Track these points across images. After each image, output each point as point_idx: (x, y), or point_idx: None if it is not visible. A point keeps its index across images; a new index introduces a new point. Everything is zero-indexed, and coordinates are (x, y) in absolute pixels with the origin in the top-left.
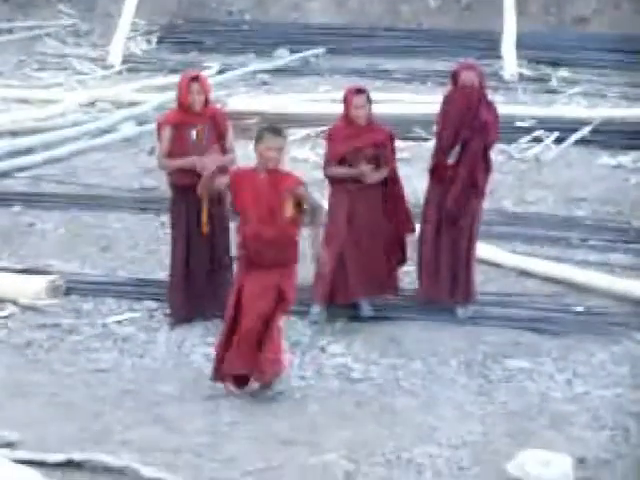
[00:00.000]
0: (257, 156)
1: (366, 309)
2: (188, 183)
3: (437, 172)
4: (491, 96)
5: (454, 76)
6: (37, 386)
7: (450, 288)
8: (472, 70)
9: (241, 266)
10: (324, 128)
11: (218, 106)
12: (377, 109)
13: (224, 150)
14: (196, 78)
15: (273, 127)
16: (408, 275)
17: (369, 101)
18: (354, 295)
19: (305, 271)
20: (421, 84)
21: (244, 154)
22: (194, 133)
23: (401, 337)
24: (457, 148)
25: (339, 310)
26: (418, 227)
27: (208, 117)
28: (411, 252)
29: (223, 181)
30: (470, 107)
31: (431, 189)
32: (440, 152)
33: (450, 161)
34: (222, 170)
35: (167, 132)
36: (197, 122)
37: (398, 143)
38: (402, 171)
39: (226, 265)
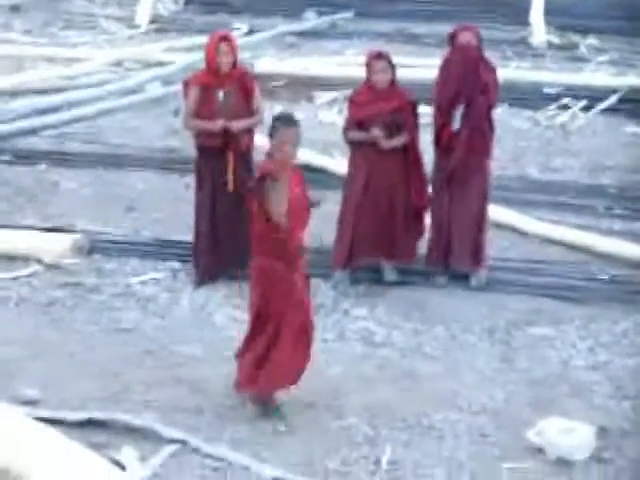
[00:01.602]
0: (275, 151)
1: (389, 273)
2: (214, 144)
3: (442, 139)
4: (518, 63)
5: (452, 38)
6: (59, 345)
7: (463, 254)
8: (469, 30)
9: (281, 268)
10: (350, 92)
11: (245, 68)
12: (406, 73)
13: (251, 112)
14: (225, 38)
15: (285, 117)
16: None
17: (391, 66)
18: (371, 256)
19: (328, 234)
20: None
21: (270, 116)
22: (221, 94)
23: (424, 302)
24: (459, 112)
25: (362, 274)
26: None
27: (236, 78)
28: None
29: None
30: (469, 67)
31: (438, 156)
32: (441, 115)
33: (455, 126)
34: (249, 132)
35: (194, 92)
36: (224, 83)
37: (427, 108)
38: (430, 136)
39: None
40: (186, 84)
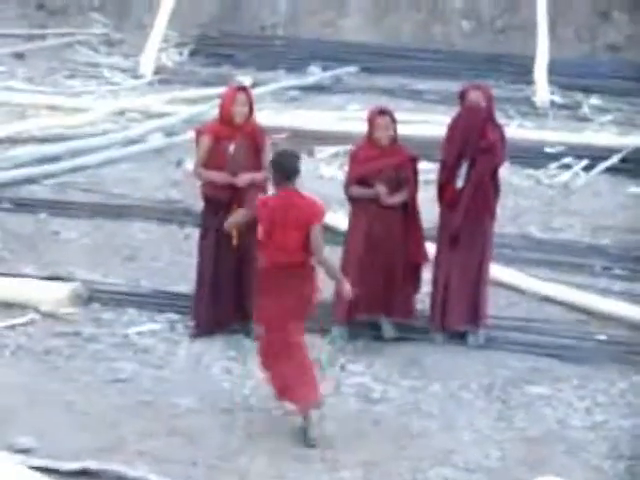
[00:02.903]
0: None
1: (388, 330)
2: (220, 196)
3: (445, 195)
4: (521, 121)
5: (462, 96)
6: (55, 394)
7: (460, 314)
8: (479, 90)
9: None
10: (352, 147)
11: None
12: (408, 130)
13: (260, 166)
14: (242, 89)
15: (281, 159)
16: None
17: (393, 122)
18: (371, 312)
19: (327, 289)
20: (452, 106)
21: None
22: (232, 147)
23: (422, 359)
24: (463, 170)
25: (360, 330)
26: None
27: (248, 132)
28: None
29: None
30: (475, 127)
31: (442, 213)
32: (445, 173)
33: (458, 184)
34: (257, 186)
35: (205, 142)
36: (236, 136)
37: (428, 165)
38: (431, 193)
39: (253, 276)
40: (199, 133)
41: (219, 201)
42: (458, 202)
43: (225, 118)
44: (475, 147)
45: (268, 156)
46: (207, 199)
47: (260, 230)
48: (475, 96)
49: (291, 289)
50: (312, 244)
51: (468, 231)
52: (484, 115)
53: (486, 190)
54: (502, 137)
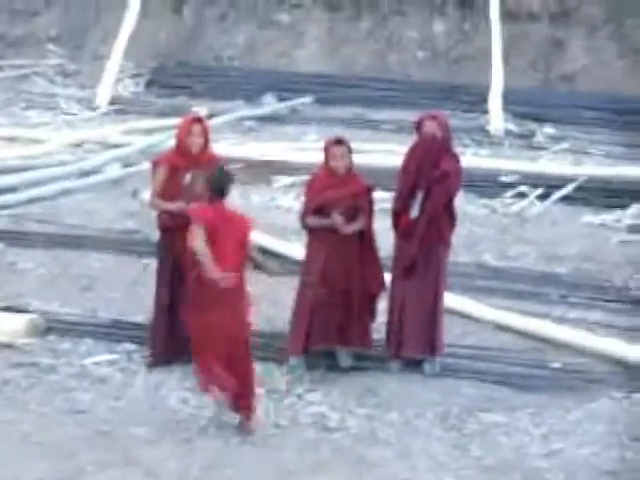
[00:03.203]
0: None
1: (344, 359)
2: (175, 225)
3: (400, 225)
4: (476, 150)
5: (417, 126)
6: (12, 424)
7: (416, 343)
8: (434, 120)
9: None
10: (308, 177)
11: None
12: (364, 159)
13: None
14: (198, 120)
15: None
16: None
17: (349, 152)
18: (327, 342)
19: (281, 318)
20: (408, 135)
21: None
22: (188, 176)
23: (378, 388)
24: (418, 199)
25: (317, 359)
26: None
27: (204, 162)
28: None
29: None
30: (429, 156)
31: (396, 242)
32: (399, 202)
33: (413, 214)
34: None
35: (161, 172)
36: (193, 166)
37: (384, 194)
38: (386, 222)
39: None
40: (155, 163)
41: (175, 231)
42: (412, 232)
43: (181, 148)
44: (429, 177)
45: None
46: (163, 229)
47: (197, 238)
48: (430, 126)
49: (227, 301)
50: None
51: (422, 260)
52: (439, 145)
53: (440, 220)
54: (458, 167)
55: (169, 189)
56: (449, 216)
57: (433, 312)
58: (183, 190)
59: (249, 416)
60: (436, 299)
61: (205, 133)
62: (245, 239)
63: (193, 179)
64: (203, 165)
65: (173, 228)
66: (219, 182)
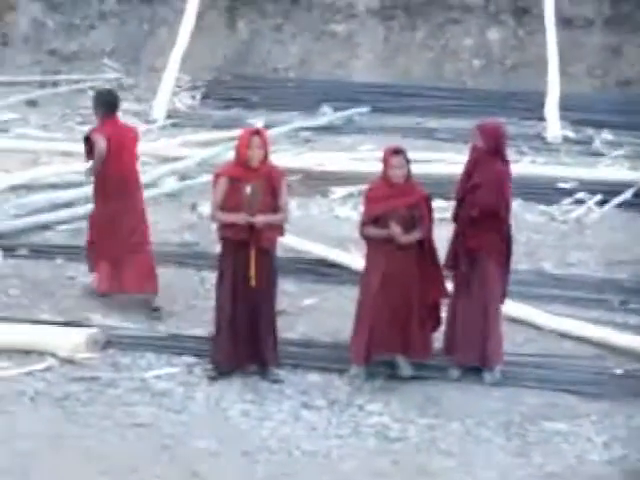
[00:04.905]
0: None
1: (405, 368)
2: (237, 237)
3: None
4: (533, 157)
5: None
6: (74, 439)
7: (466, 352)
8: (478, 129)
9: None
10: (366, 187)
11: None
12: (420, 169)
13: (276, 208)
14: (258, 133)
15: None
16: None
17: (407, 161)
18: (388, 352)
19: (344, 329)
20: (464, 144)
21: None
22: (249, 188)
23: (439, 397)
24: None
25: (378, 369)
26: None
27: (264, 174)
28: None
29: None
30: (467, 168)
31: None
32: (454, 210)
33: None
34: (273, 228)
35: (222, 184)
36: (253, 177)
37: (441, 203)
38: (444, 231)
39: (271, 319)
40: (216, 176)
41: (236, 243)
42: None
43: (241, 161)
44: (461, 188)
45: (285, 198)
46: (224, 241)
47: None
48: (474, 136)
49: None
50: None
51: (467, 270)
52: (476, 155)
53: (481, 230)
54: (494, 179)
55: (230, 201)
56: (496, 227)
57: (483, 323)
58: (243, 202)
59: None
60: (486, 310)
61: (265, 145)
62: None
63: (253, 191)
64: (263, 177)
65: (234, 241)
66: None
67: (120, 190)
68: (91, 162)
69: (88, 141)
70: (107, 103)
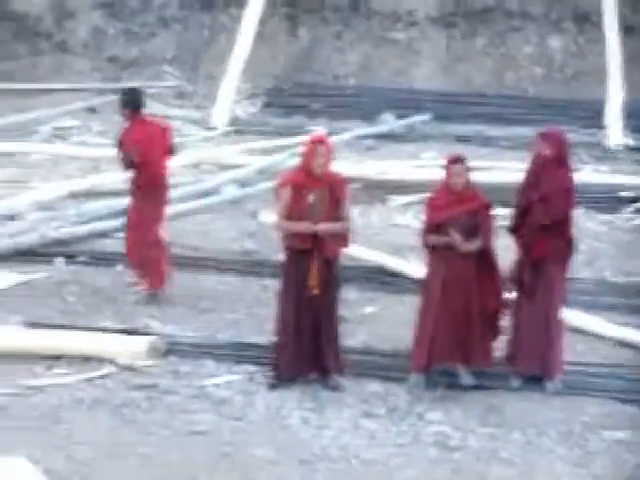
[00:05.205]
0: None
1: (465, 377)
2: (301, 246)
3: (516, 242)
4: (595, 166)
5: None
6: (133, 446)
7: (529, 361)
8: (543, 137)
9: None
10: (427, 195)
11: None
12: (481, 176)
13: (339, 217)
14: (322, 141)
15: None
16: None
17: (467, 169)
18: (448, 360)
19: (404, 337)
20: (525, 151)
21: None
22: (312, 196)
23: (500, 406)
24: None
25: (438, 378)
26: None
27: (327, 182)
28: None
29: None
30: (531, 176)
31: (515, 260)
32: (514, 219)
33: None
34: (336, 237)
35: (286, 193)
36: (317, 186)
37: (502, 211)
38: (506, 239)
39: (334, 327)
40: (279, 185)
41: (300, 251)
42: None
43: (306, 169)
44: (527, 197)
45: (347, 207)
46: (288, 250)
47: None
48: (539, 144)
49: None
50: None
51: (532, 279)
52: (542, 164)
53: (548, 238)
54: (562, 186)
55: (293, 210)
56: (562, 234)
57: (546, 331)
58: (307, 210)
59: None
60: (549, 318)
61: (329, 154)
62: None
63: (316, 199)
64: (327, 185)
65: (298, 249)
66: None
67: (151, 185)
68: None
69: (121, 145)
70: (133, 102)
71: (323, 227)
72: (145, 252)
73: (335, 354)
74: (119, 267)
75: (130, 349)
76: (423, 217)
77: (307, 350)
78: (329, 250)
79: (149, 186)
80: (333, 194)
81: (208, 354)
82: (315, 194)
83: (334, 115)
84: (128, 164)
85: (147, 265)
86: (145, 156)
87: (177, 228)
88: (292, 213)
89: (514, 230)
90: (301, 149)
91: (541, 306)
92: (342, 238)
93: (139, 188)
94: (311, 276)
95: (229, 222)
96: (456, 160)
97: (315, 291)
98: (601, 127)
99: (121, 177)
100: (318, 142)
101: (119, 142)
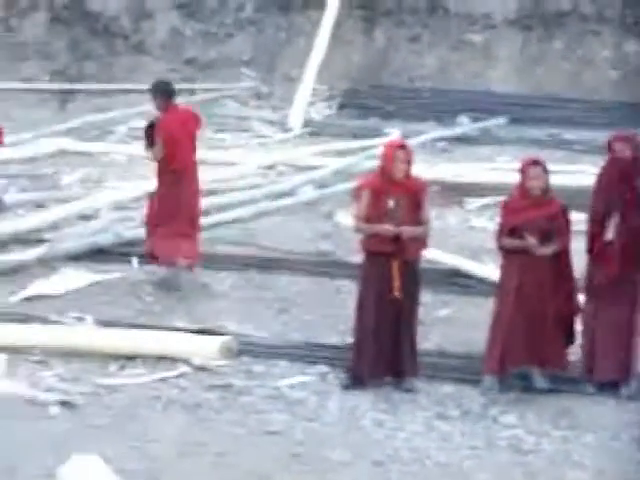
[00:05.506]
0: None
1: (539, 381)
2: (382, 249)
3: (593, 249)
4: None
5: (608, 146)
6: (206, 446)
7: (608, 367)
8: (625, 141)
9: None
10: (502, 198)
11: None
12: (558, 180)
13: (419, 221)
14: (402, 146)
15: None
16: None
17: (545, 172)
18: (522, 363)
19: (478, 340)
20: (601, 155)
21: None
22: (392, 201)
23: (573, 409)
24: (613, 222)
25: (512, 381)
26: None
27: (407, 187)
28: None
29: None
30: (621, 179)
31: (589, 265)
32: (593, 225)
33: (607, 237)
34: (417, 241)
35: (366, 197)
36: (396, 191)
37: (578, 215)
38: (580, 244)
39: (413, 330)
40: (359, 188)
41: (380, 254)
42: (605, 255)
43: (385, 173)
44: (624, 200)
45: (427, 212)
46: (368, 253)
47: None
48: (620, 147)
49: None
50: None
51: (617, 285)
52: (630, 166)
53: (637, 244)
54: None
55: (372, 214)
56: None
57: (627, 336)
58: (386, 215)
59: None
60: (631, 324)
61: (409, 159)
62: None
63: (396, 203)
64: (407, 190)
65: (378, 252)
66: None
67: (179, 171)
68: (152, 149)
69: (151, 130)
70: (166, 91)
71: (405, 230)
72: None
73: (412, 357)
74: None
75: (204, 349)
76: (499, 220)
77: (385, 353)
78: (410, 253)
79: (179, 172)
80: (413, 198)
81: (281, 354)
82: (395, 199)
83: (409, 117)
84: (160, 152)
85: (181, 241)
86: (178, 143)
87: (253, 229)
88: (371, 217)
89: (592, 236)
90: (379, 153)
91: (622, 310)
92: (422, 241)
93: (170, 174)
94: (393, 279)
95: (304, 223)
96: (534, 163)
97: (396, 294)
98: None
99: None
100: (398, 147)
101: (152, 130)
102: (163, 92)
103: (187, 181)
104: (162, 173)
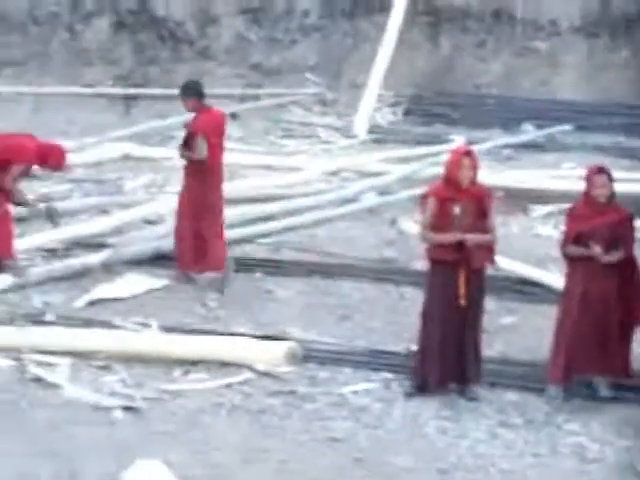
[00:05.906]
0: None
1: (604, 389)
2: (448, 258)
3: None
4: None
5: None
6: (269, 452)
7: None
8: None
9: None
10: (567, 205)
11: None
12: (624, 188)
13: (485, 229)
14: (468, 153)
15: None
16: None
17: (610, 180)
18: (587, 371)
19: (542, 348)
20: None
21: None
22: (458, 209)
23: (637, 418)
24: None
25: (576, 389)
26: None
27: (473, 195)
28: None
29: None
30: None
31: None
32: None
33: None
34: (483, 249)
35: (431, 204)
36: (462, 198)
37: None
38: None
39: (477, 338)
40: (425, 196)
41: (446, 262)
42: None
43: (451, 181)
44: None
45: (493, 219)
46: (434, 262)
47: None
48: None
49: None
50: None
51: None
52: None
53: None
54: None
55: (438, 222)
56: None
57: None
58: (452, 222)
59: None
60: None
61: (475, 166)
62: None
63: (462, 211)
64: (472, 198)
65: (444, 261)
66: None
67: (205, 170)
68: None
69: (188, 133)
70: (198, 92)
71: (472, 237)
72: (205, 234)
73: (476, 364)
74: (258, 274)
75: (268, 355)
76: (563, 227)
77: (450, 360)
78: (477, 261)
79: (207, 172)
80: (479, 206)
81: (345, 361)
82: (460, 206)
83: (474, 124)
84: (204, 150)
85: (208, 249)
86: (212, 143)
87: (316, 235)
88: (437, 225)
89: None
90: (445, 160)
91: None
92: (489, 249)
93: (199, 174)
94: (459, 287)
95: (368, 230)
96: (599, 171)
97: (462, 302)
98: None
99: (255, 184)
100: (464, 154)
101: (188, 132)
102: (196, 92)
103: (215, 181)
104: (193, 173)
